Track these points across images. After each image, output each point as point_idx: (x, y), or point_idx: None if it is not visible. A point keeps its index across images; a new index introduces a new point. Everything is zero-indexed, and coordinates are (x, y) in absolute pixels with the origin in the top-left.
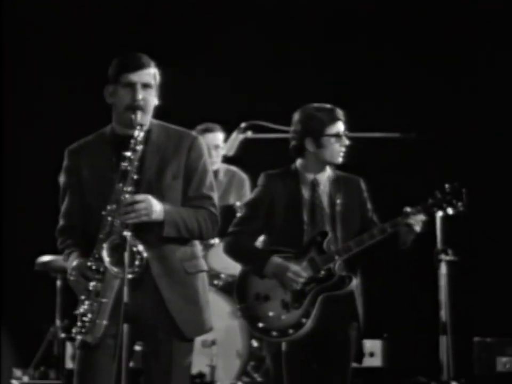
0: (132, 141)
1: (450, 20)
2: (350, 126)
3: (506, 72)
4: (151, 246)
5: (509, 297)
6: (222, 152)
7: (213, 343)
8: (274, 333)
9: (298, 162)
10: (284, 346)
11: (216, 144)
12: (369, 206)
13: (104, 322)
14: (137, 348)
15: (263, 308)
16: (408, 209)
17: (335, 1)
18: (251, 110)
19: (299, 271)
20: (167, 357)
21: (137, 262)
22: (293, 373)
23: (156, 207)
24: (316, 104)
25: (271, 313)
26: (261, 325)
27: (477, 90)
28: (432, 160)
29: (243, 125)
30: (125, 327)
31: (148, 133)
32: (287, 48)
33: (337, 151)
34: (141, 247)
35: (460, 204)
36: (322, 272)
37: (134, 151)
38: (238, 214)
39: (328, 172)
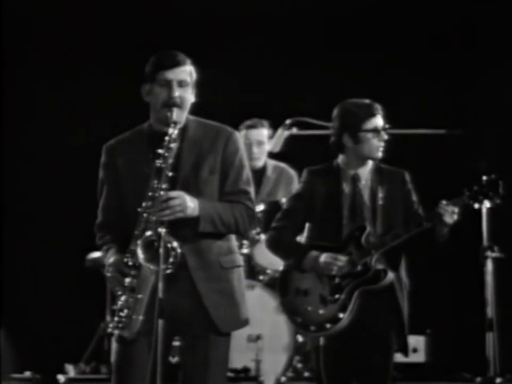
0: (166, 138)
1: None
2: (393, 123)
3: None
4: (187, 241)
5: None
6: (268, 148)
7: (258, 337)
8: (312, 328)
9: (340, 158)
10: (321, 340)
11: (260, 140)
12: (414, 198)
13: (140, 317)
14: (176, 343)
15: (302, 303)
16: (443, 201)
17: None
18: (294, 106)
19: (335, 255)
20: (203, 352)
21: (171, 259)
22: (331, 367)
23: (190, 203)
24: (353, 100)
25: (309, 308)
26: (299, 319)
27: None
28: (478, 155)
29: (288, 121)
30: (160, 322)
31: (184, 129)
32: (327, 45)
33: (376, 146)
34: (175, 244)
35: (496, 196)
36: (359, 267)
37: (168, 148)
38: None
39: (370, 165)
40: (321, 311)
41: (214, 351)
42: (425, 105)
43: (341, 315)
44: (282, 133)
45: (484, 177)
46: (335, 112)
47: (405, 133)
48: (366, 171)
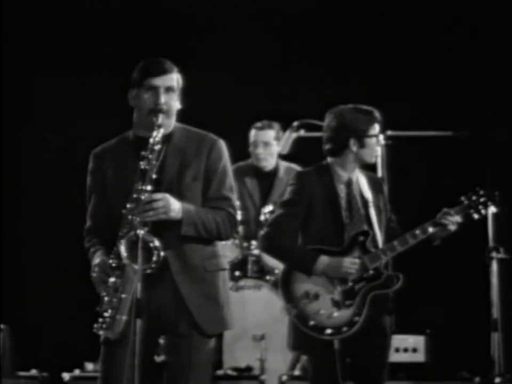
0: (150, 141)
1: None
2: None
3: None
4: (170, 244)
5: None
6: (276, 149)
7: (262, 337)
8: (328, 331)
9: (333, 160)
10: (336, 343)
11: (266, 141)
12: (388, 205)
13: (124, 317)
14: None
15: (313, 306)
16: (445, 210)
17: None
18: (302, 108)
19: (353, 261)
20: (187, 351)
21: (154, 258)
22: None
23: (174, 206)
24: (353, 105)
25: (322, 311)
26: (312, 323)
27: None
28: (484, 157)
29: (296, 123)
30: (139, 322)
31: (170, 135)
32: (333, 48)
33: (375, 151)
34: (157, 243)
35: (494, 204)
36: (371, 272)
37: (152, 150)
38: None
39: (358, 171)
40: (335, 314)
41: (197, 351)
42: (432, 107)
43: (356, 318)
44: (290, 135)
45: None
46: (336, 116)
47: (412, 135)
48: (355, 176)
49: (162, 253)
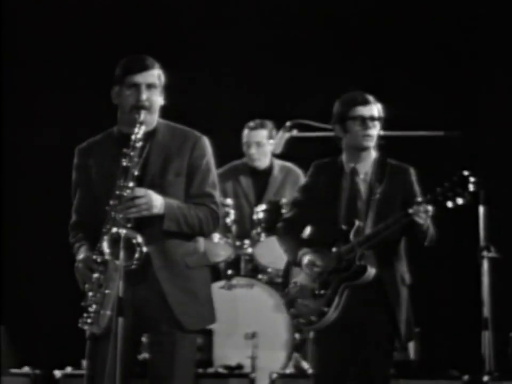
0: (132, 138)
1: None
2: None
3: None
4: (153, 240)
5: None
6: (269, 148)
7: (254, 335)
8: (302, 320)
9: (343, 153)
10: (311, 333)
11: (258, 141)
12: (415, 194)
13: (108, 312)
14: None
15: (297, 295)
16: (418, 198)
17: None
18: (295, 109)
19: (313, 260)
20: (170, 348)
21: (136, 255)
22: (319, 360)
23: (157, 202)
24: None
25: (301, 301)
26: (292, 310)
27: None
28: (474, 156)
29: (288, 123)
30: (120, 320)
31: (154, 132)
32: (326, 49)
33: (361, 134)
34: (140, 239)
35: (466, 193)
36: (343, 263)
37: (134, 148)
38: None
39: (372, 160)
40: (310, 305)
41: (180, 348)
42: (424, 108)
43: (325, 309)
44: (283, 135)
45: (455, 175)
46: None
47: (404, 135)
48: (367, 165)
49: (144, 249)
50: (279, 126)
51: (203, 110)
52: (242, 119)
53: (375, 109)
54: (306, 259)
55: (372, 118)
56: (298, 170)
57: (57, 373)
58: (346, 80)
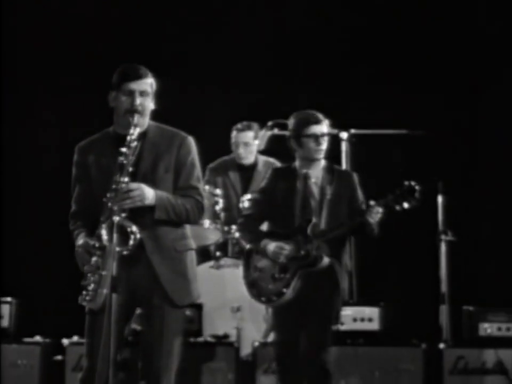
0: (128, 138)
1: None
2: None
3: None
4: (145, 227)
5: (494, 274)
6: (255, 147)
7: (238, 309)
8: (263, 299)
9: (297, 159)
10: (269, 309)
11: (246, 142)
12: (358, 196)
13: (105, 291)
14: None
15: (257, 278)
16: (371, 202)
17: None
18: (277, 109)
19: (282, 245)
20: (160, 320)
21: (131, 241)
22: (279, 330)
23: (149, 194)
24: (301, 111)
25: (262, 283)
26: (254, 291)
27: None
28: (435, 154)
29: (270, 123)
30: (114, 296)
31: (145, 133)
32: (300, 52)
33: (314, 149)
34: (134, 228)
35: (413, 200)
36: (302, 252)
37: (129, 147)
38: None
39: (322, 166)
40: (270, 286)
41: (169, 321)
42: (390, 108)
43: (284, 290)
44: (265, 133)
45: (405, 183)
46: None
47: (372, 133)
48: (317, 170)
49: (138, 236)
50: (261, 125)
51: (196, 113)
52: (230, 121)
53: (325, 126)
54: (273, 245)
55: (323, 135)
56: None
57: (65, 341)
58: (320, 84)
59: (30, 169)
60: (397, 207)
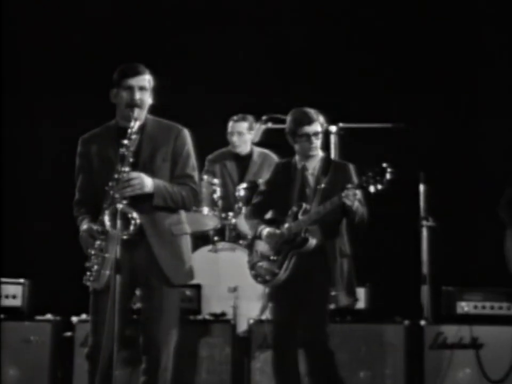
0: (128, 131)
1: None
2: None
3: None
4: (145, 213)
5: (470, 257)
6: (249, 137)
7: (235, 289)
8: (259, 279)
9: (296, 153)
10: (266, 289)
11: (240, 131)
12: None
13: (107, 272)
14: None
15: (257, 260)
16: (348, 185)
17: None
18: (270, 104)
19: (273, 232)
20: (158, 299)
21: (132, 227)
22: (275, 310)
23: (148, 183)
24: (299, 108)
25: (259, 264)
26: (253, 272)
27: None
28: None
29: (264, 117)
30: (118, 277)
31: (144, 125)
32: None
33: (307, 147)
34: (135, 214)
35: (383, 181)
36: (292, 235)
37: (130, 139)
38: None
39: (319, 158)
40: (266, 267)
41: (167, 300)
42: (375, 103)
43: (277, 271)
44: (260, 127)
45: (377, 166)
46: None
47: (358, 127)
48: (314, 162)
49: (138, 221)
50: (257, 119)
51: (196, 109)
52: (228, 116)
53: (318, 125)
54: (265, 231)
55: (315, 134)
56: (274, 156)
57: (74, 319)
58: (310, 81)
59: (39, 154)
60: (371, 188)
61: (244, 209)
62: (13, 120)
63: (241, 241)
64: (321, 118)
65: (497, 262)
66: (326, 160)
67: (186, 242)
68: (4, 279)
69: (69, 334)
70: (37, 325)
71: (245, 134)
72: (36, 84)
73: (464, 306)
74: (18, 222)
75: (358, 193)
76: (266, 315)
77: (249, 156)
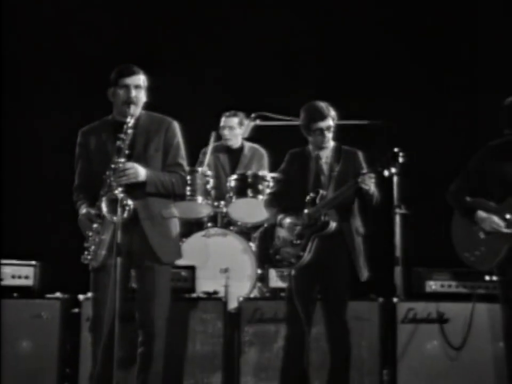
0: (125, 126)
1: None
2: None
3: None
4: (138, 198)
5: (438, 241)
6: (239, 132)
7: (226, 270)
8: (285, 263)
9: (309, 142)
10: (292, 271)
11: (230, 126)
12: (363, 171)
13: (104, 252)
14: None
15: (280, 246)
16: (362, 170)
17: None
18: (259, 101)
19: (294, 221)
20: (150, 278)
21: (126, 213)
22: (298, 289)
23: (141, 172)
24: (314, 102)
25: (283, 249)
26: (278, 257)
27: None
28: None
29: (253, 114)
30: (118, 259)
31: (138, 120)
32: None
33: (320, 140)
34: (130, 201)
35: (397, 164)
36: (313, 220)
37: (126, 133)
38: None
39: (331, 147)
40: (290, 251)
41: (158, 278)
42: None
43: (301, 253)
44: (249, 124)
45: (389, 150)
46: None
47: (339, 123)
48: (327, 151)
49: (132, 207)
50: (248, 115)
51: (192, 106)
52: (221, 112)
53: (330, 119)
54: (287, 221)
55: (328, 128)
56: (263, 150)
57: (81, 297)
58: (297, 82)
59: (50, 140)
60: (386, 172)
61: (234, 199)
62: (15, 111)
63: (231, 227)
64: (332, 112)
65: None
66: (337, 149)
67: (175, 224)
68: (17, 261)
69: (76, 310)
70: (47, 302)
71: (235, 128)
72: (37, 80)
73: (432, 285)
74: (30, 211)
75: (374, 176)
76: (255, 293)
77: (240, 149)
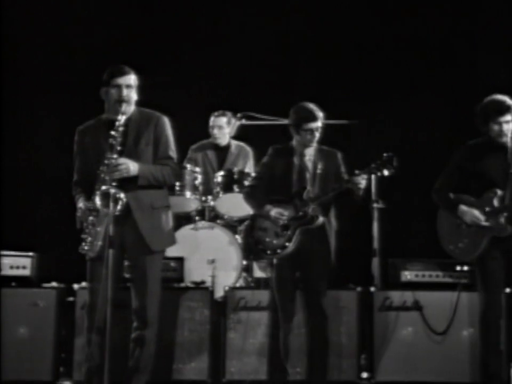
0: (116, 124)
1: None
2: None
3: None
4: (130, 191)
5: (412, 233)
6: (227, 131)
7: (213, 261)
8: (268, 252)
9: (293, 140)
10: (274, 260)
11: (219, 125)
12: (342, 169)
13: (99, 243)
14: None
15: (263, 236)
16: (356, 171)
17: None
18: (244, 102)
19: (281, 211)
20: (142, 267)
21: (119, 206)
22: (279, 278)
23: (133, 167)
24: (304, 104)
25: (267, 239)
26: (260, 246)
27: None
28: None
29: (239, 114)
30: (110, 251)
31: (130, 117)
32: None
33: (308, 139)
34: (122, 195)
35: (392, 167)
36: (300, 213)
37: (117, 131)
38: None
39: (314, 146)
40: (274, 241)
41: (150, 267)
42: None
43: (287, 244)
44: (235, 123)
45: (384, 154)
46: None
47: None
48: (310, 150)
49: (125, 200)
50: (235, 115)
51: (182, 105)
52: (209, 112)
53: (319, 121)
54: (273, 211)
55: (317, 129)
56: (248, 148)
57: (75, 286)
58: (284, 83)
59: (47, 137)
60: (378, 174)
61: (221, 194)
62: (14, 105)
63: (218, 221)
64: (321, 114)
65: (434, 238)
66: (320, 148)
67: (166, 214)
68: (16, 253)
69: (71, 299)
70: (43, 291)
71: (224, 127)
72: (36, 79)
73: (407, 275)
74: (28, 205)
75: (366, 178)
76: (240, 283)
77: (227, 147)
